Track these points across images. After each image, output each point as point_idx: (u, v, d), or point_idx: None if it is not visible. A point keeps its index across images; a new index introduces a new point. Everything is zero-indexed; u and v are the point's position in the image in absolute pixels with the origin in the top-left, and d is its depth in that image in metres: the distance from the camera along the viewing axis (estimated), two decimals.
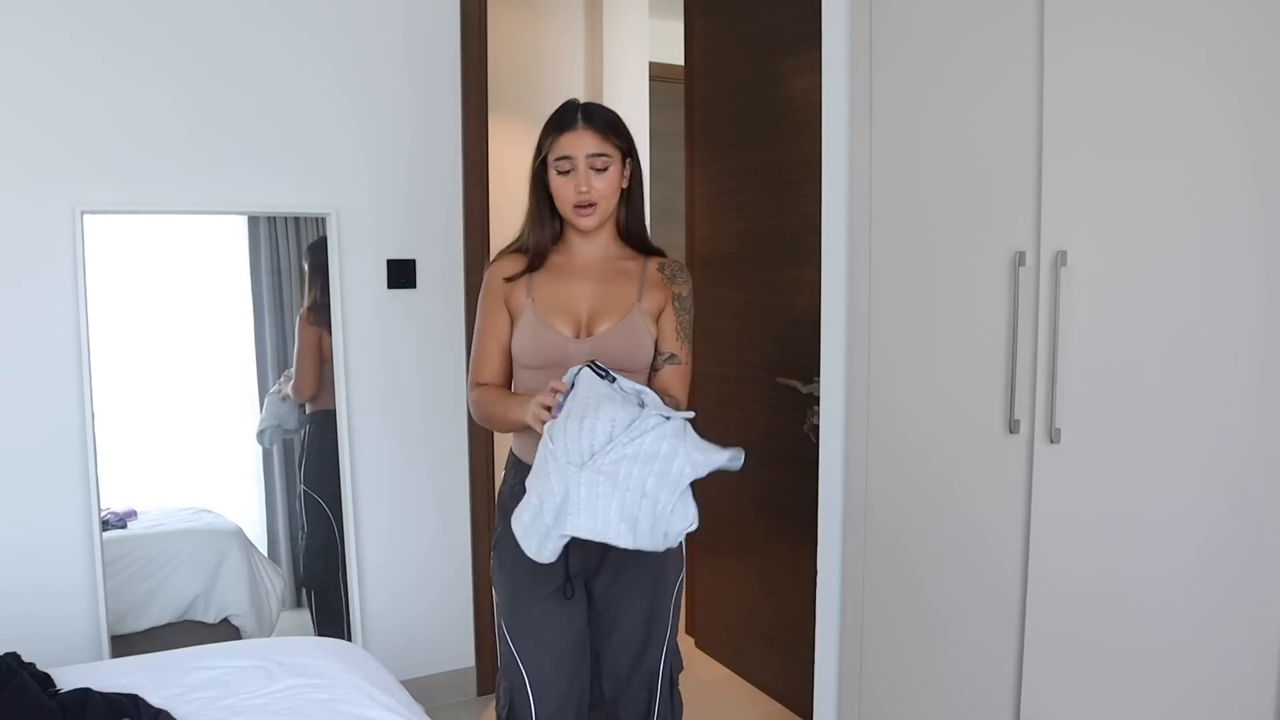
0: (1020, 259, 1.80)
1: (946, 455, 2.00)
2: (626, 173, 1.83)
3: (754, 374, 2.88)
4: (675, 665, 1.96)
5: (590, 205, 1.78)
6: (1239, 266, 1.50)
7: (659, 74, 4.26)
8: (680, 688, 2.02)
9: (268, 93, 2.61)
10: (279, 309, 2.73)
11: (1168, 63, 1.56)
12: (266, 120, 2.61)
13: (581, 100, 1.84)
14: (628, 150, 1.83)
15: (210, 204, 2.56)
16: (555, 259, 1.87)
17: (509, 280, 1.85)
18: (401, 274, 2.82)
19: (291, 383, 2.73)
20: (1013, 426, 1.83)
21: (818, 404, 2.40)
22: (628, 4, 4.19)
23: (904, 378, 2.11)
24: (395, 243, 2.81)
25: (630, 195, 1.86)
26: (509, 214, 3.96)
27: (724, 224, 3.05)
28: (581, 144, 1.76)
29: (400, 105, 2.78)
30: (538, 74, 4.15)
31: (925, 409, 2.05)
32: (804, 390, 2.53)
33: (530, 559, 1.61)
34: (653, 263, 1.88)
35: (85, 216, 2.40)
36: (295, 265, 2.73)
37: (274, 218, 2.68)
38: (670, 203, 3.92)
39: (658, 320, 1.85)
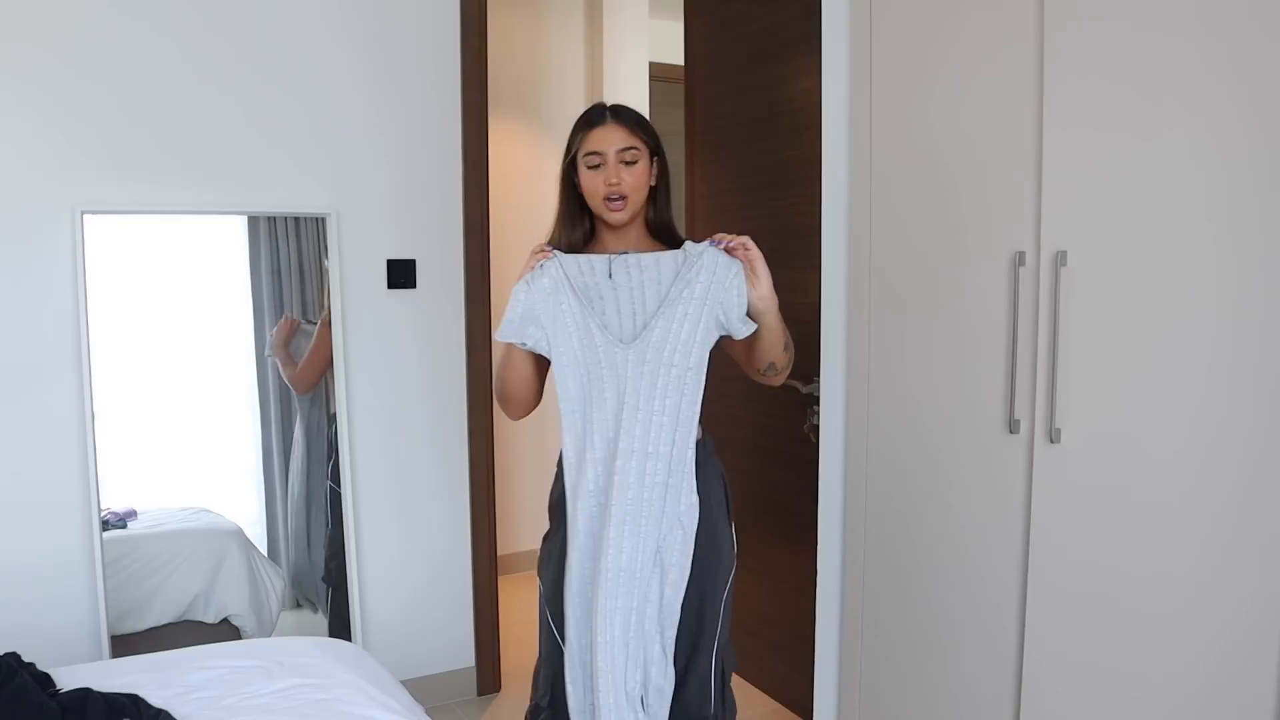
0: (1020, 259, 1.80)
1: (946, 455, 2.00)
2: (654, 170, 1.85)
3: None
4: (728, 663, 1.94)
5: (621, 198, 1.80)
6: (1239, 266, 1.50)
7: (659, 74, 4.26)
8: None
9: (268, 93, 2.61)
10: (279, 309, 2.73)
11: (1168, 63, 1.56)
12: (267, 120, 2.61)
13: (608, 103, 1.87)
14: (655, 148, 1.85)
15: (210, 204, 2.56)
16: None
17: None
18: (401, 274, 2.82)
19: (294, 373, 2.74)
20: (1013, 426, 1.83)
21: (818, 404, 2.40)
22: (628, 4, 4.19)
23: (904, 377, 2.11)
24: (395, 243, 2.81)
25: (658, 193, 1.88)
26: (509, 214, 3.97)
27: (724, 224, 3.05)
28: (611, 138, 1.79)
29: (400, 105, 2.78)
30: (538, 74, 4.15)
31: (925, 409, 2.05)
32: (804, 390, 2.53)
33: (577, 549, 1.70)
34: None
35: (85, 216, 2.40)
36: (295, 265, 2.73)
37: (274, 218, 2.68)
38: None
39: None
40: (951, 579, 2.01)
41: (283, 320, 2.73)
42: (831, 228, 2.30)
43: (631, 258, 1.72)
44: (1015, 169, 1.81)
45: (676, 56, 3.41)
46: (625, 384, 1.68)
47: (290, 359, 2.74)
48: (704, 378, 1.72)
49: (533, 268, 1.73)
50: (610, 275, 1.70)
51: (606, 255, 1.74)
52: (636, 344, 1.68)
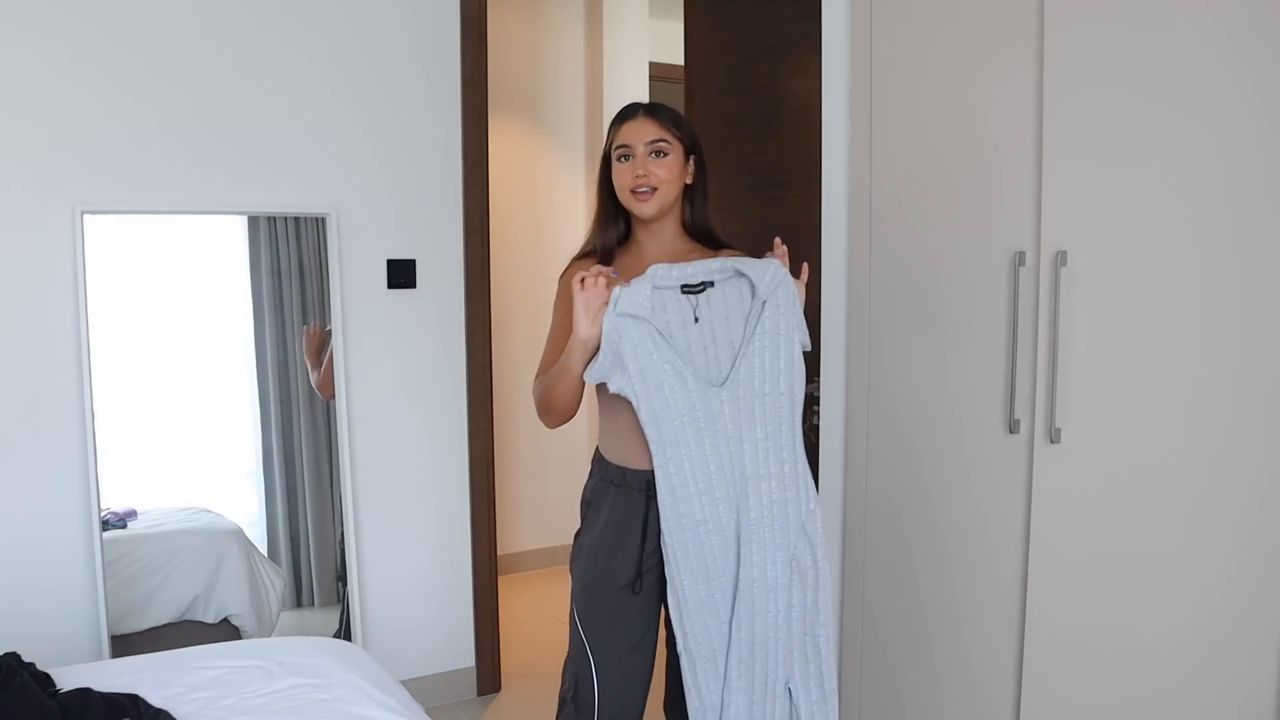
0: (1020, 259, 1.80)
1: (946, 455, 2.00)
2: (690, 168, 1.84)
3: None
4: None
5: (648, 189, 1.78)
6: (1239, 266, 1.50)
7: (659, 74, 4.26)
8: None
9: (268, 93, 2.61)
10: (278, 309, 2.73)
11: (1167, 63, 1.56)
12: (266, 120, 2.61)
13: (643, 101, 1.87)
14: (691, 146, 1.84)
15: (210, 204, 2.56)
16: (624, 259, 1.88)
17: None
18: (401, 274, 2.82)
19: (317, 377, 2.75)
20: (1013, 426, 1.83)
21: (818, 404, 2.40)
22: (628, 4, 4.19)
23: (904, 378, 2.11)
24: (395, 243, 2.81)
25: (695, 192, 1.87)
26: (509, 214, 3.97)
27: (724, 224, 3.04)
28: (640, 131, 1.78)
29: (400, 105, 2.78)
30: (538, 74, 4.15)
31: (925, 409, 2.05)
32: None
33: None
34: (724, 255, 1.88)
35: (85, 216, 2.40)
36: (295, 265, 2.73)
37: (274, 218, 2.68)
38: None
39: None
40: (951, 579, 2.01)
41: (312, 329, 2.73)
42: (831, 228, 2.30)
43: (702, 298, 1.70)
44: (1015, 169, 1.81)
45: (676, 56, 3.41)
46: (724, 421, 1.69)
47: (319, 365, 2.75)
48: (800, 395, 1.72)
49: (598, 294, 1.66)
50: (696, 320, 1.70)
51: (680, 296, 1.71)
52: (729, 384, 1.69)
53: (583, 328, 1.67)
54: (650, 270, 1.68)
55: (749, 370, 1.69)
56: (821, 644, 1.76)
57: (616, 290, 1.65)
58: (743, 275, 1.70)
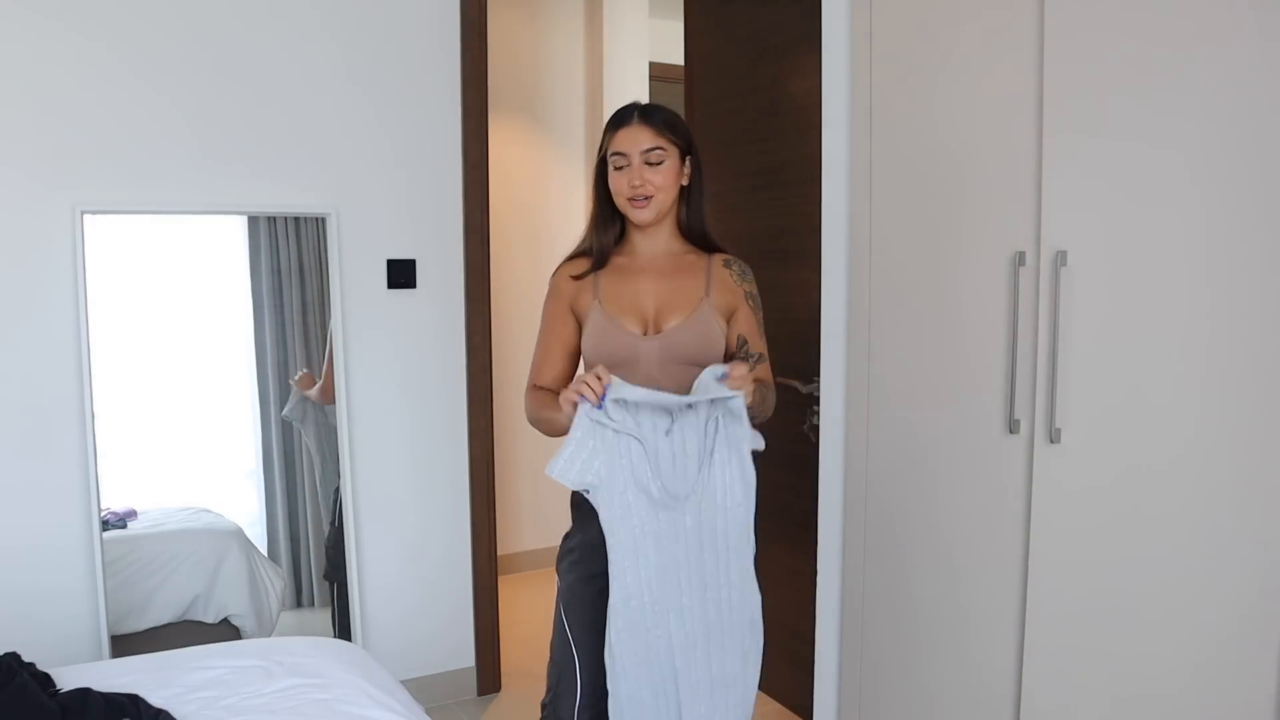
0: (1020, 259, 1.80)
1: (946, 455, 2.00)
2: (687, 170, 1.84)
3: None
4: None
5: (644, 198, 1.79)
6: (1239, 266, 1.50)
7: (659, 74, 4.26)
8: None
9: (268, 92, 2.61)
10: (278, 309, 2.73)
11: (1168, 63, 1.56)
12: (266, 120, 2.61)
13: (641, 101, 1.87)
14: (687, 148, 1.84)
15: (210, 204, 2.56)
16: (618, 260, 1.89)
17: (574, 281, 1.87)
18: (401, 274, 2.82)
19: (319, 385, 2.75)
20: (1013, 426, 1.83)
21: (818, 404, 2.40)
22: (628, 4, 4.19)
23: (904, 378, 2.11)
24: (395, 243, 2.81)
25: (691, 192, 1.87)
26: (509, 214, 3.97)
27: (724, 224, 3.02)
28: (636, 139, 1.78)
29: (400, 105, 2.78)
30: (538, 74, 4.15)
31: (925, 409, 2.05)
32: (804, 390, 2.53)
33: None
34: (717, 259, 1.89)
35: (85, 216, 2.40)
36: (295, 265, 2.73)
37: (274, 218, 2.68)
38: None
39: (730, 319, 1.86)
40: (951, 579, 2.01)
41: (298, 378, 2.75)
42: (831, 228, 2.30)
43: (677, 418, 1.69)
44: (1015, 169, 1.81)
45: (676, 56, 3.41)
46: (685, 533, 1.70)
47: (313, 383, 2.76)
48: (753, 502, 1.73)
49: (587, 397, 1.64)
50: (668, 434, 1.69)
51: (666, 410, 1.68)
52: (691, 500, 1.69)
53: (564, 405, 1.68)
54: (635, 389, 1.66)
55: (710, 483, 1.70)
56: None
57: (607, 393, 1.63)
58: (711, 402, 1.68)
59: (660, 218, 1.83)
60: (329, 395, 2.76)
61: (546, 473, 1.71)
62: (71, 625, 2.44)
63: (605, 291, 1.85)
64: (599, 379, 1.63)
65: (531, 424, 1.88)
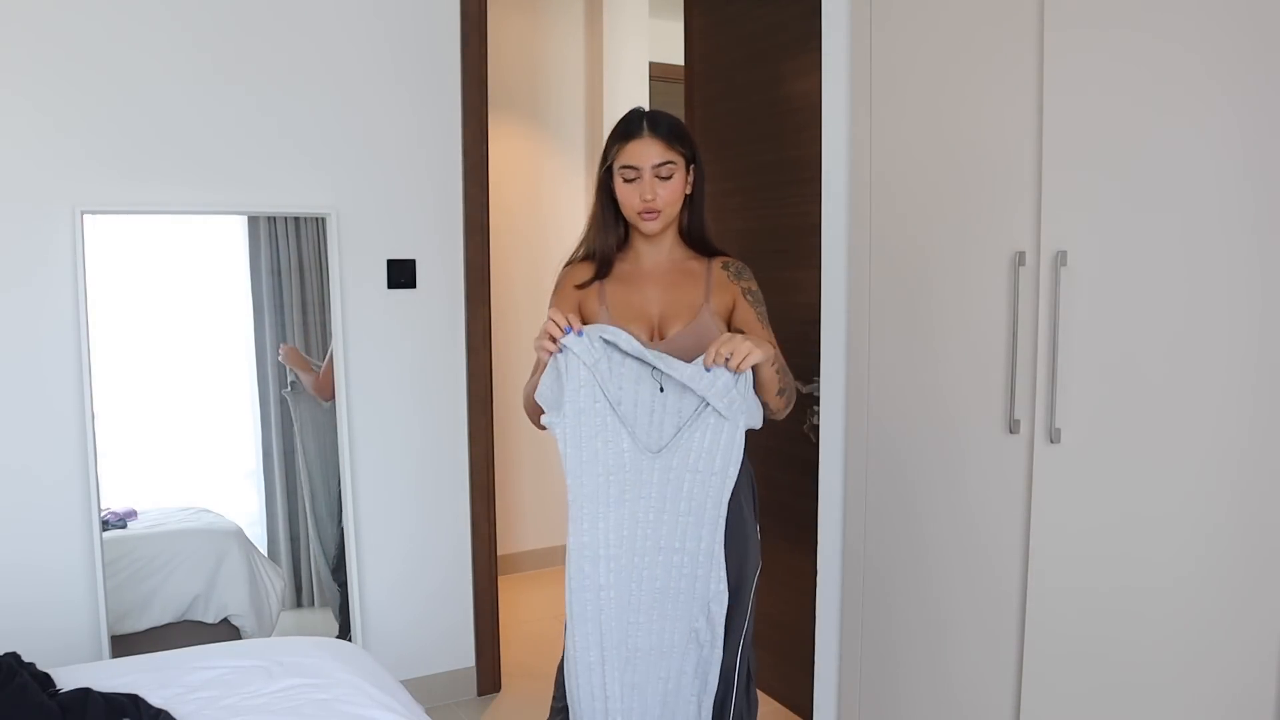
0: (1020, 259, 1.80)
1: (946, 455, 2.00)
2: (690, 178, 1.86)
3: None
4: (752, 662, 1.95)
5: (655, 211, 1.81)
6: (1238, 266, 1.50)
7: (659, 74, 4.26)
8: None
9: (268, 93, 2.61)
10: (278, 309, 2.73)
11: (1166, 64, 1.56)
12: (266, 120, 2.61)
13: (646, 108, 1.87)
14: (691, 157, 1.85)
15: (210, 204, 2.56)
16: (622, 266, 1.90)
17: (580, 288, 1.88)
18: (401, 274, 2.82)
19: (315, 379, 2.74)
20: (1013, 426, 1.83)
21: (818, 404, 2.40)
22: (628, 4, 4.19)
23: (904, 378, 2.11)
24: (395, 243, 2.81)
25: (693, 199, 1.89)
26: (509, 214, 3.97)
27: (724, 224, 3.04)
28: (647, 153, 1.79)
29: (400, 105, 2.78)
30: (538, 74, 4.15)
31: (926, 409, 2.05)
32: (804, 390, 2.53)
33: (582, 636, 1.71)
34: (716, 263, 1.91)
35: (85, 216, 2.40)
36: (295, 265, 2.73)
37: (274, 218, 2.68)
38: None
39: (729, 318, 1.87)
40: (951, 579, 2.01)
41: (282, 350, 2.73)
42: (831, 228, 2.30)
43: (671, 381, 1.67)
44: (1015, 169, 1.81)
45: (676, 56, 3.41)
46: (650, 489, 1.69)
47: (309, 368, 2.75)
48: (731, 479, 1.72)
49: (550, 331, 1.64)
50: (661, 389, 1.68)
51: (649, 366, 1.66)
52: (663, 454, 1.69)
53: (538, 353, 1.69)
54: (615, 330, 1.66)
55: (688, 444, 1.69)
56: (703, 707, 1.79)
57: (570, 335, 1.64)
58: (699, 396, 1.67)
59: (666, 226, 1.86)
60: (326, 391, 2.76)
61: (541, 420, 1.72)
62: (71, 625, 2.44)
63: (612, 298, 1.86)
64: (563, 317, 1.64)
65: (528, 413, 1.86)
